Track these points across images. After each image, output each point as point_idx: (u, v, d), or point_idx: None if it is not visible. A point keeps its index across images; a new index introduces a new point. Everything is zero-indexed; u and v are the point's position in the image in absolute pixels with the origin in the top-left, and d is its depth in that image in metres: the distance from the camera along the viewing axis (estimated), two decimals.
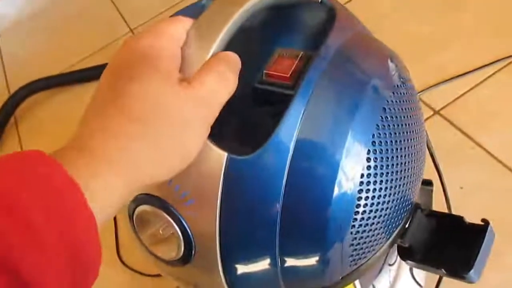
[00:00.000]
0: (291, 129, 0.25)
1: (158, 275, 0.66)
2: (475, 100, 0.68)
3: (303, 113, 0.25)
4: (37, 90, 1.01)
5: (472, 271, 0.30)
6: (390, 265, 0.45)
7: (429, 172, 0.37)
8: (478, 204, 0.53)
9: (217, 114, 0.24)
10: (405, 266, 0.47)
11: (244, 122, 0.26)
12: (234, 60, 0.25)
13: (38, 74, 1.01)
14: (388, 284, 0.45)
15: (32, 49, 1.18)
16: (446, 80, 0.70)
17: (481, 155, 0.61)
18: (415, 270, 0.47)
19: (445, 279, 0.48)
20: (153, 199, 0.26)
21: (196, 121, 0.23)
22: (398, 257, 0.47)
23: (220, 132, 0.25)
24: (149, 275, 0.66)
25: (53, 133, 0.97)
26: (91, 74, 0.97)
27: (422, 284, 0.47)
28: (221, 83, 0.23)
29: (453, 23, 0.76)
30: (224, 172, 0.25)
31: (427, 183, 0.38)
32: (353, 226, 0.27)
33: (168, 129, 0.22)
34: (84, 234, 0.19)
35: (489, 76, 0.69)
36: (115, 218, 0.75)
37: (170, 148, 0.22)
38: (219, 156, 0.25)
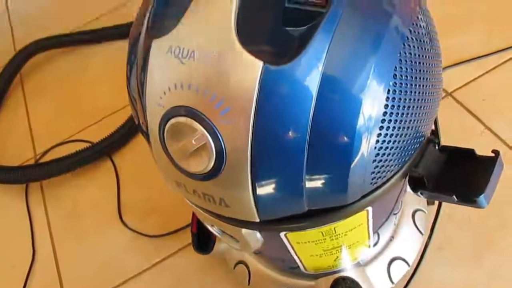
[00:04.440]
0: (324, 41, 0.26)
1: (158, 236, 0.67)
2: (488, 84, 0.67)
3: (334, 30, 0.26)
4: (44, 48, 0.99)
5: (483, 195, 0.32)
6: (394, 214, 0.47)
7: None
8: None
9: None
10: (408, 214, 0.49)
11: (278, 37, 0.27)
12: None
13: (45, 33, 1.00)
14: (393, 227, 0.47)
15: (39, 7, 1.17)
16: (460, 63, 0.69)
17: (490, 139, 0.60)
18: (417, 219, 0.49)
19: (440, 223, 0.49)
20: (187, 110, 0.27)
21: None
22: (401, 206, 0.49)
23: (255, 45, 0.26)
24: (149, 236, 0.67)
25: (57, 92, 0.97)
26: (100, 35, 0.95)
27: (422, 231, 0.49)
28: None
29: (473, 7, 0.76)
30: (259, 81, 0.26)
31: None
32: (375, 147, 0.29)
33: None
34: None
35: (504, 62, 0.69)
36: (118, 179, 0.76)
37: None
38: (255, 65, 0.26)
